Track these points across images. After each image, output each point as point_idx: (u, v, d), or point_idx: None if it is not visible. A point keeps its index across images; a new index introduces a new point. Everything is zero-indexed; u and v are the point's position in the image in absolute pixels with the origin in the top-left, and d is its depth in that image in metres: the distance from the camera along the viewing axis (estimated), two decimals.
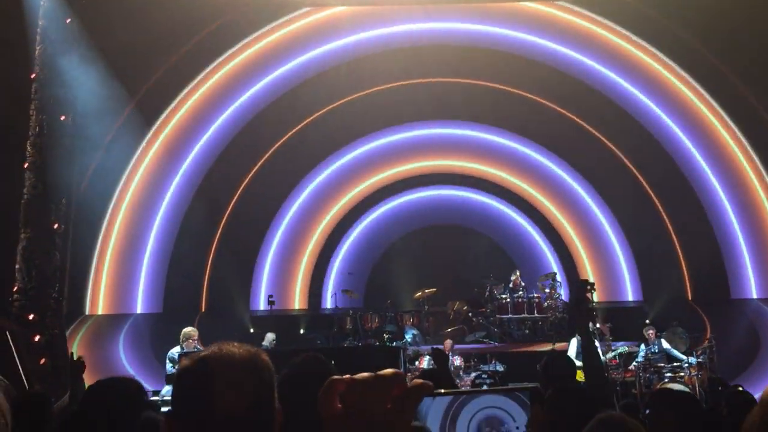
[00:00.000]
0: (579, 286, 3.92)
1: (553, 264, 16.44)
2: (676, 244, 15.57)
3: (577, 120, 15.98)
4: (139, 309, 15.38)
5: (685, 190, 15.50)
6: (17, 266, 12.57)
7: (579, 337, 4.01)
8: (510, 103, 16.05)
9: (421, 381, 0.91)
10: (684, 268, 15.53)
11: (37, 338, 12.13)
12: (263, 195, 16.38)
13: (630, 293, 16.09)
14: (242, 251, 16.19)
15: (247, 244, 16.33)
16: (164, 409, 8.42)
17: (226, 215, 16.18)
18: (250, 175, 16.25)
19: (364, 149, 16.95)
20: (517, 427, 0.96)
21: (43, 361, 11.97)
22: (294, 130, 16.21)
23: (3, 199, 12.60)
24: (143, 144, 15.43)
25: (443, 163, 17.22)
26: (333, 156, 16.85)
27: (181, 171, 15.90)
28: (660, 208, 15.72)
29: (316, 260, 16.81)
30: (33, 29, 13.16)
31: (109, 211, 15.13)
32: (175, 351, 10.22)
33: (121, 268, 15.35)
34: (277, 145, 16.23)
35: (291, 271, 16.68)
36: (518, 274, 14.21)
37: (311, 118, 16.16)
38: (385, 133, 16.90)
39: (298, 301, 16.50)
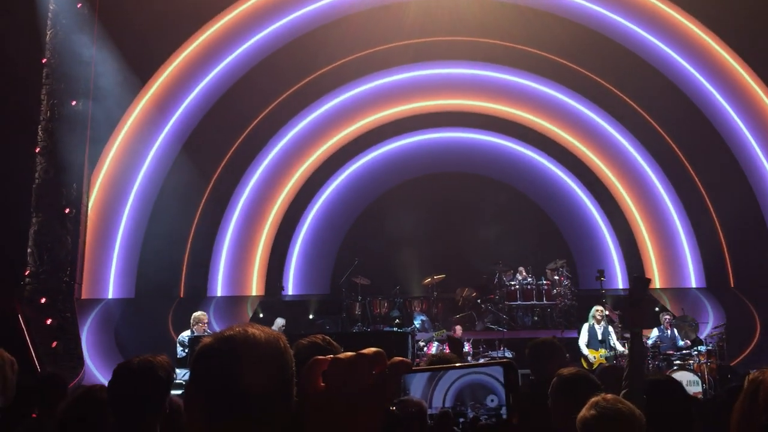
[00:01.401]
0: (637, 284, 3.47)
1: (605, 231, 15.86)
2: (719, 229, 15.04)
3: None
4: (111, 294, 14.41)
5: (732, 168, 14.96)
6: (29, 250, 12.69)
7: (630, 344, 3.75)
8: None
9: (400, 358, 0.93)
10: (726, 254, 15.02)
11: (49, 321, 12.25)
12: (244, 169, 15.64)
13: (693, 280, 15.34)
14: (209, 230, 15.25)
15: (215, 222, 15.39)
16: (176, 392, 8.49)
17: (208, 191, 15.33)
18: (233, 148, 15.46)
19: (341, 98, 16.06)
20: (493, 399, 0.95)
21: (54, 344, 12.10)
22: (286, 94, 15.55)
23: (15, 184, 12.69)
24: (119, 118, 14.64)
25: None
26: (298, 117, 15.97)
27: (157, 143, 14.98)
28: (704, 192, 15.17)
29: (274, 239, 15.77)
30: (44, 14, 13.20)
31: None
32: (185, 335, 10.25)
33: (93, 249, 14.30)
34: (261, 116, 15.53)
35: (249, 250, 15.54)
36: (524, 273, 14.11)
37: (302, 82, 15.55)
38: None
39: (255, 285, 15.35)
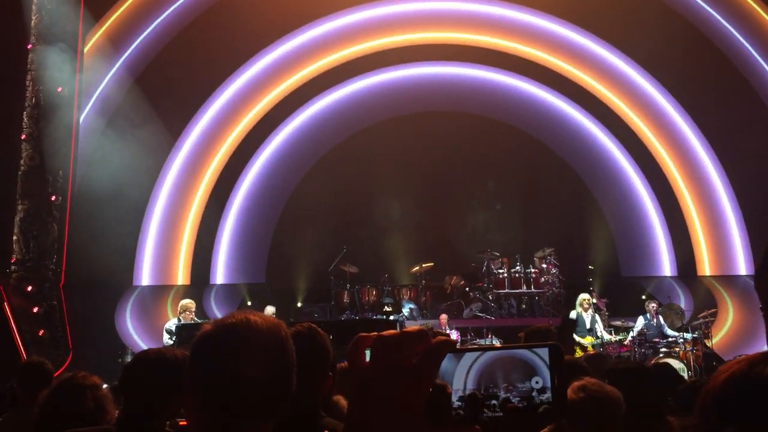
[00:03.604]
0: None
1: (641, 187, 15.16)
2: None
3: None
4: None
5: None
6: (15, 238, 12.59)
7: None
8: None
9: (445, 337, 0.93)
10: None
11: (35, 310, 12.18)
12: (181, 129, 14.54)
13: (743, 266, 14.45)
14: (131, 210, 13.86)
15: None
16: None
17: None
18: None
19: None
20: (537, 381, 0.93)
21: (41, 332, 12.04)
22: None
23: (0, 171, 12.56)
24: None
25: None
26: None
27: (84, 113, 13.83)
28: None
29: (201, 216, 14.61)
30: None
31: None
32: (172, 323, 10.25)
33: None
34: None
35: (176, 231, 14.39)
36: (502, 262, 14.08)
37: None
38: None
39: (181, 273, 14.40)
